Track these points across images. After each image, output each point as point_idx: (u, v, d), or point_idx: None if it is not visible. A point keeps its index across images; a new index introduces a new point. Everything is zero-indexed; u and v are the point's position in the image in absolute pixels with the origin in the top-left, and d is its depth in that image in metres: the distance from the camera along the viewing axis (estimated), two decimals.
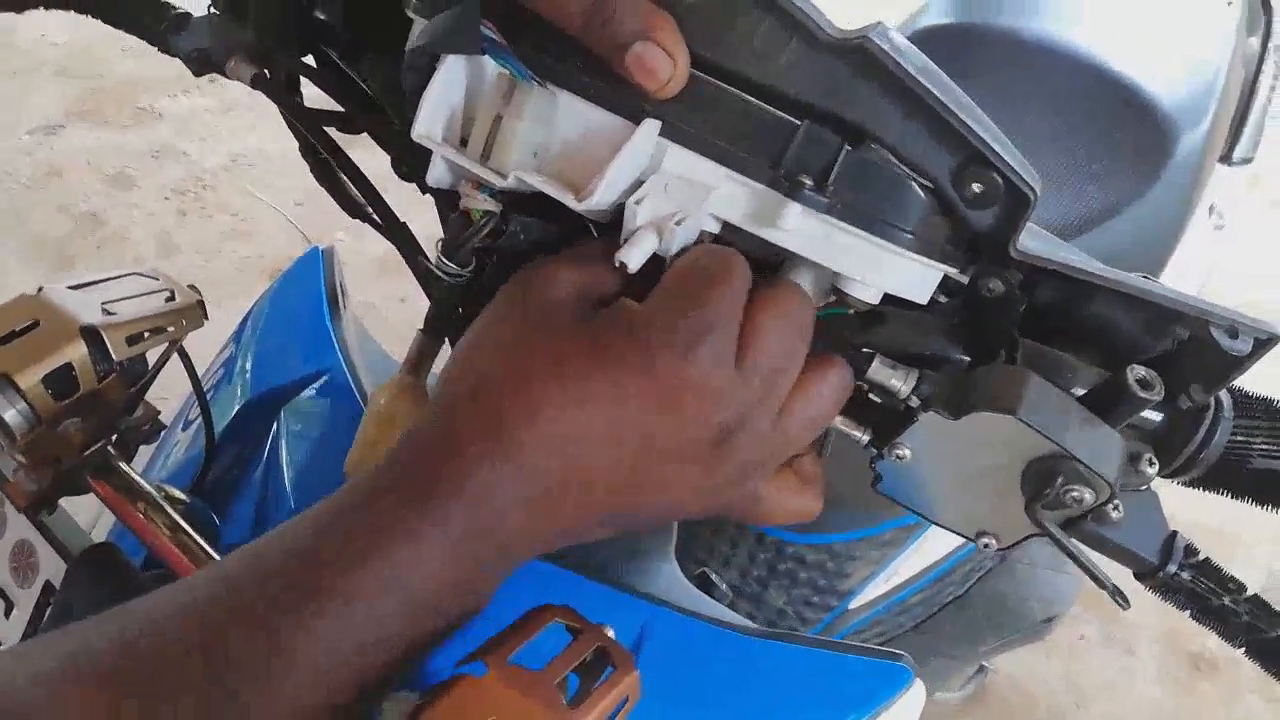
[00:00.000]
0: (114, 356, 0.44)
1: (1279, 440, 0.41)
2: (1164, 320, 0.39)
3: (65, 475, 0.45)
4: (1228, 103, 1.16)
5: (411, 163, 0.48)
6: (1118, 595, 0.41)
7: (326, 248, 0.70)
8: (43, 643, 0.32)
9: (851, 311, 0.41)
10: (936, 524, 0.44)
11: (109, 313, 0.44)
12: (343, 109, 0.52)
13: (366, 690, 0.33)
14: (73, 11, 0.56)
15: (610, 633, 0.35)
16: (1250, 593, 0.41)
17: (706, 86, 0.36)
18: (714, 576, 0.67)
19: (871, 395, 0.42)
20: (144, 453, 0.54)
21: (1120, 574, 0.41)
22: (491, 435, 0.34)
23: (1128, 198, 1.02)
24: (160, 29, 0.53)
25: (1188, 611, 0.42)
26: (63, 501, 0.47)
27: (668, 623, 0.47)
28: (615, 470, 0.35)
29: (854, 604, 1.08)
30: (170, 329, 0.46)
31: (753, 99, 0.36)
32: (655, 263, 0.38)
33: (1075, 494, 0.38)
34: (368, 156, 0.53)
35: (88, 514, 0.55)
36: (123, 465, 0.47)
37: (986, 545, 0.44)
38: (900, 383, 0.40)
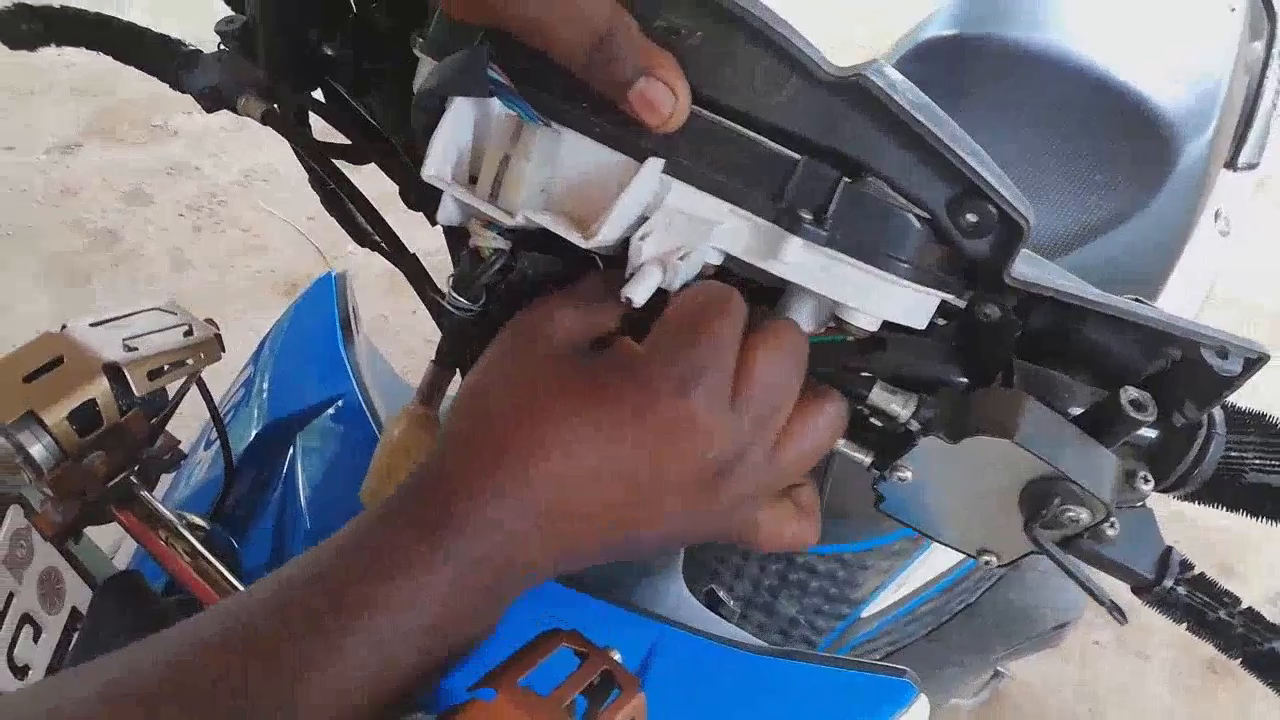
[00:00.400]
0: (135, 392, 0.45)
1: (1271, 455, 0.42)
2: (1156, 342, 0.40)
3: (90, 505, 0.46)
4: (1232, 109, 1.16)
5: (420, 194, 0.49)
6: (1115, 611, 0.42)
7: (340, 273, 0.71)
8: (80, 672, 0.34)
9: (851, 339, 0.42)
10: (939, 542, 0.45)
11: (130, 348, 0.46)
12: (350, 141, 0.53)
13: (383, 715, 0.34)
14: (86, 49, 0.58)
15: (616, 656, 0.36)
16: (1245, 605, 0.42)
17: (708, 123, 0.37)
18: (721, 593, 0.68)
19: (873, 419, 0.43)
20: (165, 477, 0.55)
21: (1119, 587, 0.42)
22: (497, 470, 0.36)
23: (1133, 206, 1.03)
24: (172, 67, 0.54)
25: (1184, 625, 0.43)
26: (87, 529, 0.48)
27: (675, 641, 0.48)
28: (615, 502, 0.37)
29: (866, 613, 1.09)
30: (189, 362, 0.48)
31: (753, 135, 0.37)
32: (655, 295, 0.39)
33: (1072, 514, 0.39)
34: (378, 178, 0.54)
35: (111, 539, 0.57)
36: (145, 494, 0.48)
37: (988, 562, 0.45)
38: (900, 408, 0.41)
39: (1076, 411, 0.42)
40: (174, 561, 0.46)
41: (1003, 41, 1.15)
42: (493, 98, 0.38)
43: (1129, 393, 0.39)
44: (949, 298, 0.40)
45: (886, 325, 0.41)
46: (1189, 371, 0.39)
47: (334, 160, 0.54)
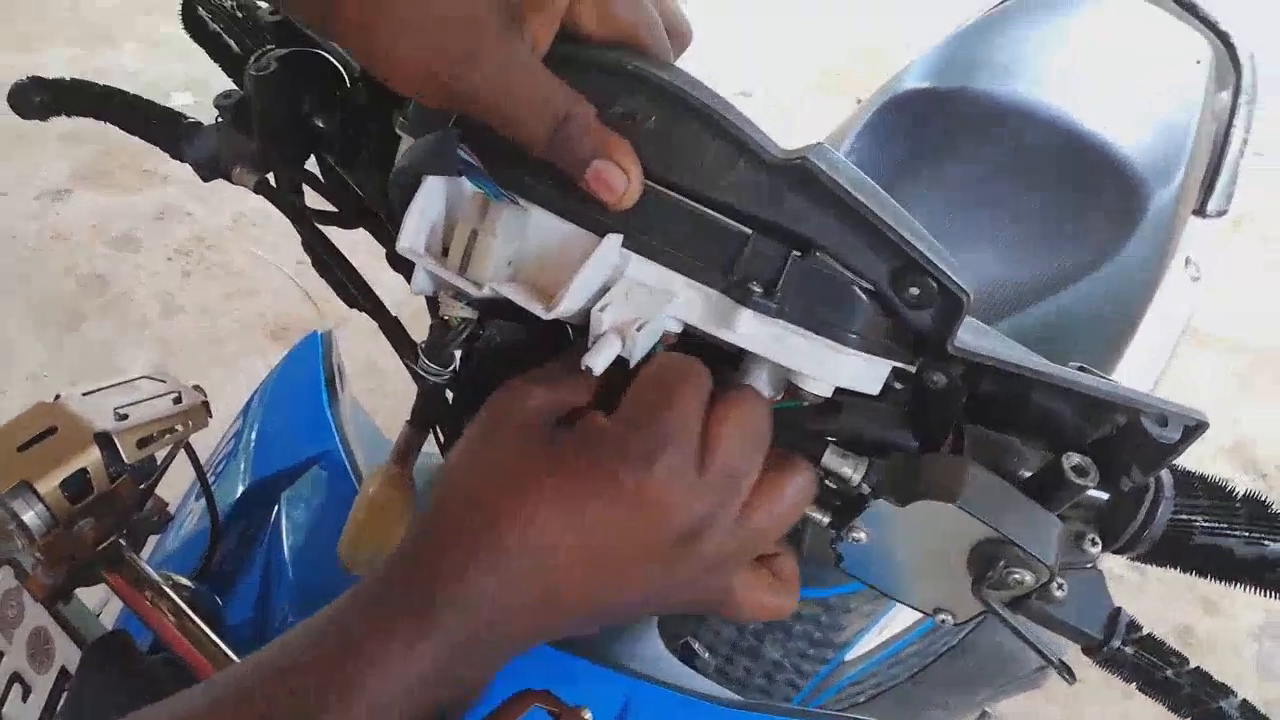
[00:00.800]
0: (125, 459, 0.47)
1: (1218, 517, 0.43)
2: (1098, 409, 0.42)
3: (80, 568, 0.48)
4: (1199, 158, 1.19)
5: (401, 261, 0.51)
6: (1064, 671, 0.43)
7: (325, 332, 0.73)
8: None
9: (807, 404, 0.44)
10: (896, 600, 0.47)
11: (121, 417, 0.48)
12: (339, 209, 0.56)
13: None
14: (93, 119, 0.60)
15: (588, 715, 0.38)
16: (1193, 665, 0.43)
17: (664, 201, 0.39)
18: (696, 646, 0.69)
19: (828, 481, 0.44)
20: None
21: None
22: (475, 550, 0.37)
23: (1103, 255, 1.05)
24: (173, 137, 0.56)
25: (1134, 684, 0.44)
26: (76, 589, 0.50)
27: (648, 697, 0.49)
28: (588, 574, 0.38)
29: (849, 656, 1.09)
30: (178, 429, 0.50)
31: (706, 212, 0.39)
32: (625, 373, 0.41)
33: (1017, 576, 0.40)
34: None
35: (98, 596, 0.58)
36: (132, 556, 0.50)
37: (944, 621, 0.46)
38: (851, 470, 0.43)
39: (1027, 475, 0.44)
40: (159, 621, 0.48)
41: (975, 94, 1.18)
42: (462, 176, 0.40)
43: (1071, 459, 0.41)
44: (899, 365, 0.42)
45: (841, 391, 0.42)
46: (1132, 438, 0.41)
47: (325, 226, 0.57)
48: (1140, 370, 1.14)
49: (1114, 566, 1.79)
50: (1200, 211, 1.23)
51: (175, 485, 0.63)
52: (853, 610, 1.04)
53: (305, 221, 0.55)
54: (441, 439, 0.57)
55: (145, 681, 0.45)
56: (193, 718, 0.35)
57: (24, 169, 2.52)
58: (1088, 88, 1.19)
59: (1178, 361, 1.33)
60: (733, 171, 0.39)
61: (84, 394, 0.49)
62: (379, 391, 1.84)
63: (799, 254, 0.39)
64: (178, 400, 0.51)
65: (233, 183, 0.55)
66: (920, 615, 1.11)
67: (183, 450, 0.53)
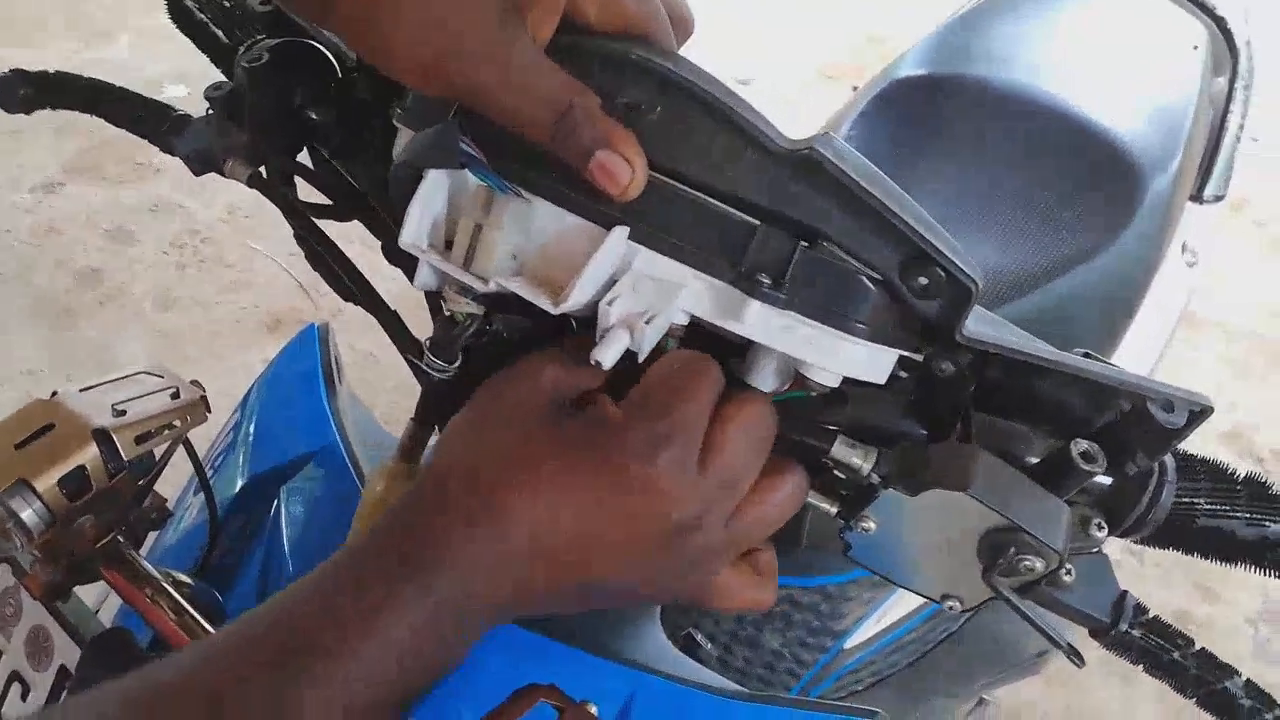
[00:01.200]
0: (124, 456, 0.47)
1: (1221, 500, 0.43)
2: (1104, 395, 0.42)
3: (79, 566, 0.47)
4: (1196, 144, 1.19)
5: (401, 254, 0.51)
6: (1073, 654, 0.43)
7: (322, 325, 0.72)
8: (66, 706, 0.35)
9: (814, 394, 0.43)
10: (904, 588, 0.47)
11: (119, 413, 0.47)
12: (333, 202, 0.55)
13: None
14: (81, 113, 0.59)
15: (594, 709, 0.38)
16: (1198, 647, 0.44)
17: (670, 192, 0.39)
18: (698, 637, 0.69)
19: (836, 471, 0.44)
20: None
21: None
22: (469, 514, 0.38)
23: (1101, 242, 1.05)
24: (162, 131, 0.56)
25: (1140, 666, 0.44)
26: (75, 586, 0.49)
27: (652, 689, 0.49)
28: (578, 552, 0.39)
29: (849, 644, 1.09)
30: (176, 424, 0.49)
31: (713, 203, 0.39)
32: (633, 357, 0.40)
33: (1027, 562, 0.40)
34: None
35: (97, 593, 0.58)
36: (132, 554, 0.49)
37: (951, 607, 0.46)
38: (861, 460, 0.42)
39: (1034, 461, 0.44)
40: (159, 618, 0.47)
41: (972, 81, 1.18)
42: (465, 169, 0.40)
43: (1079, 445, 0.41)
44: (906, 354, 0.42)
45: (847, 381, 0.42)
46: (1138, 423, 0.41)
47: (319, 219, 0.56)
48: (1137, 356, 1.14)
49: (1111, 553, 1.79)
50: (1197, 197, 1.23)
51: (174, 479, 0.62)
52: (852, 598, 1.05)
53: (298, 214, 0.55)
54: None
55: None
56: (178, 679, 0.35)
57: (16, 163, 2.50)
58: (1084, 74, 1.19)
59: (1175, 347, 1.33)
60: (739, 162, 0.38)
61: (81, 390, 0.48)
62: (376, 385, 1.84)
63: (806, 244, 0.39)
64: (176, 395, 0.50)
65: (224, 176, 0.54)
66: (920, 603, 1.12)
67: (182, 446, 0.52)
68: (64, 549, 0.46)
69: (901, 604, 1.09)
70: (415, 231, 0.41)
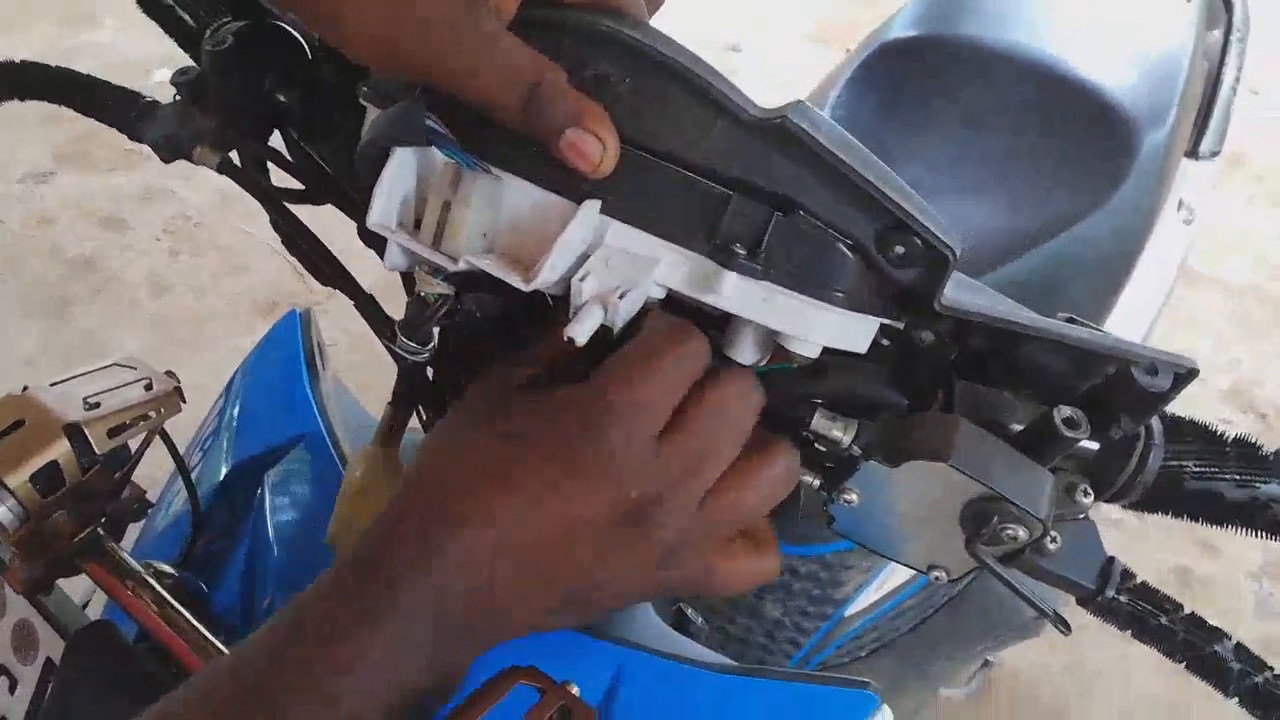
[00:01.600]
0: (96, 450, 0.46)
1: (1209, 462, 0.43)
2: (1088, 360, 0.41)
3: (59, 560, 0.47)
4: (1190, 100, 1.18)
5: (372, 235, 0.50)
6: (1059, 622, 0.43)
7: (304, 310, 0.72)
8: None
9: (795, 365, 0.43)
10: (890, 559, 0.46)
11: (91, 406, 0.47)
12: (305, 186, 0.54)
13: None
14: (48, 102, 0.58)
15: (575, 690, 0.37)
16: (1187, 611, 0.43)
17: (642, 165, 0.38)
18: (689, 611, 0.69)
19: (817, 444, 0.44)
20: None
21: None
22: (438, 532, 0.36)
23: (1096, 200, 1.04)
24: (130, 118, 0.55)
25: (1129, 631, 0.44)
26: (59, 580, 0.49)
27: (640, 666, 0.49)
28: (544, 554, 0.37)
29: (849, 611, 1.10)
30: (151, 415, 0.49)
31: (686, 174, 0.38)
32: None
33: (1010, 531, 0.40)
34: None
35: (83, 588, 0.57)
36: (112, 546, 0.49)
37: (938, 578, 0.46)
38: (841, 433, 0.42)
39: (1018, 428, 0.43)
40: (143, 611, 0.47)
41: (963, 41, 1.16)
42: (432, 146, 0.39)
43: (1062, 411, 0.40)
44: (887, 322, 0.41)
45: (829, 351, 0.42)
46: (1122, 387, 0.40)
47: (293, 204, 0.55)
48: (1136, 315, 1.13)
49: (1111, 511, 1.80)
50: (1193, 153, 1.22)
51: (164, 464, 0.62)
52: (851, 566, 1.05)
53: (272, 200, 0.54)
54: (424, 417, 0.56)
55: (131, 671, 0.45)
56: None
57: (5, 153, 2.49)
58: (1076, 30, 1.18)
59: (1175, 304, 1.32)
60: (711, 132, 0.38)
61: (52, 384, 0.48)
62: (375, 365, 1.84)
63: (781, 214, 0.38)
64: (149, 387, 0.50)
65: (194, 163, 0.53)
66: None
67: (159, 437, 0.52)
68: (42, 544, 0.46)
69: (901, 571, 1.09)
70: (383, 211, 0.40)
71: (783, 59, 3.00)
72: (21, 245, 2.29)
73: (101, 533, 0.48)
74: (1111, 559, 0.43)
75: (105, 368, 0.50)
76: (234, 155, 0.54)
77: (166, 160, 0.54)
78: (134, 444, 0.50)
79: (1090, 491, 0.43)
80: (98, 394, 0.48)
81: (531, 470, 0.37)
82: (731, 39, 3.02)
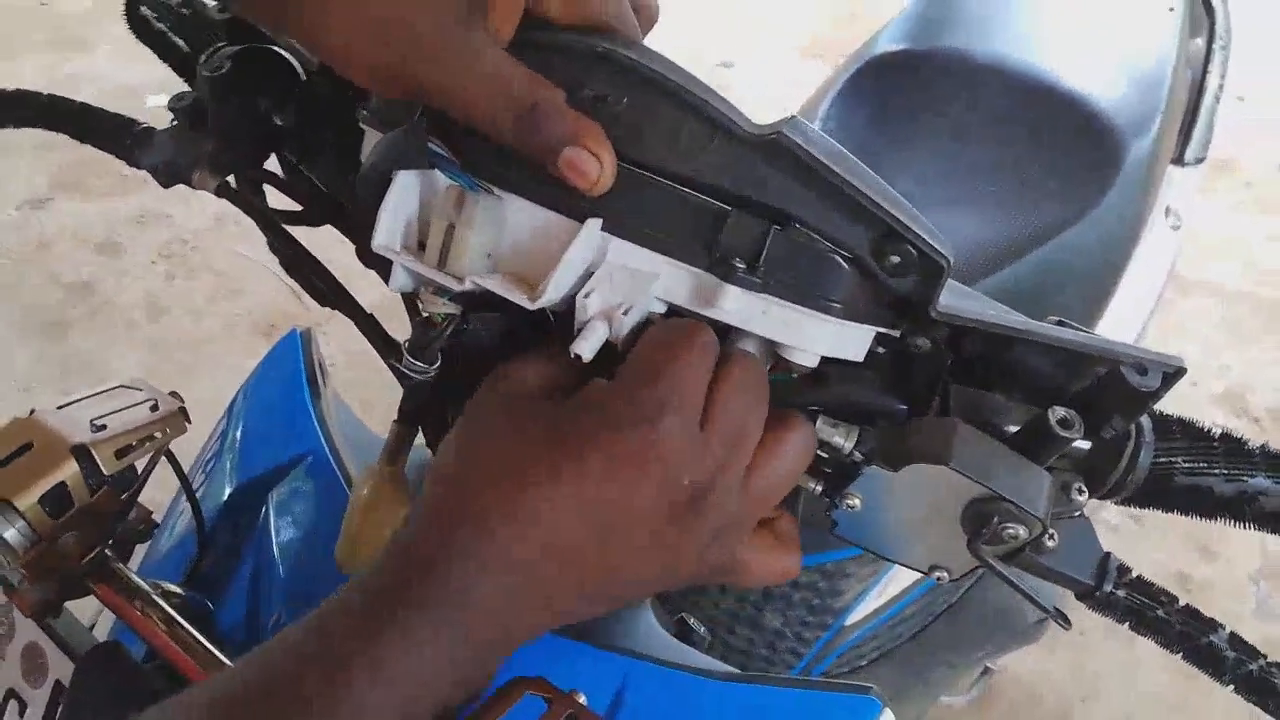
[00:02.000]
0: (104, 471, 0.47)
1: (1198, 458, 0.44)
2: (1079, 362, 0.42)
3: (67, 582, 0.47)
4: (1175, 107, 1.19)
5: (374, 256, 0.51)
6: (1060, 618, 0.43)
7: (304, 330, 0.72)
8: None
9: (794, 375, 0.44)
10: (892, 561, 0.47)
11: (98, 428, 0.47)
12: (304, 208, 0.55)
13: None
14: (44, 130, 0.59)
15: (582, 699, 0.38)
16: (1182, 604, 0.44)
17: (641, 183, 0.39)
18: (691, 621, 0.70)
19: (820, 451, 0.44)
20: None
21: None
22: (473, 538, 0.36)
23: (1083, 208, 1.05)
24: (127, 144, 0.55)
25: (1126, 624, 0.45)
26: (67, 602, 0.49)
27: (645, 675, 0.49)
28: (594, 554, 0.37)
29: (849, 620, 1.10)
30: (157, 436, 0.49)
31: (684, 191, 0.39)
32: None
33: (1011, 530, 0.41)
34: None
35: (91, 609, 0.58)
36: (120, 566, 0.49)
37: (940, 579, 0.47)
38: (843, 440, 0.43)
39: (1013, 430, 0.44)
40: (151, 630, 0.48)
41: (950, 54, 1.17)
42: (434, 169, 0.40)
43: (1056, 412, 0.41)
44: (883, 330, 0.42)
45: (826, 360, 0.42)
46: (1113, 387, 0.41)
47: (291, 225, 0.56)
48: (1125, 321, 1.14)
49: (1109, 516, 1.80)
50: (1179, 160, 1.23)
51: (168, 486, 0.63)
52: (851, 575, 1.05)
53: (270, 222, 0.54)
54: (429, 436, 0.57)
55: (141, 690, 0.45)
56: None
57: (3, 180, 2.50)
58: (1061, 40, 1.19)
59: (1166, 310, 1.34)
60: (708, 149, 0.38)
61: (59, 407, 0.48)
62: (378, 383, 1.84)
63: (779, 227, 0.39)
64: (154, 408, 0.50)
65: (193, 187, 0.54)
66: (918, 576, 1.13)
67: (165, 457, 0.52)
68: (51, 566, 0.46)
69: (900, 578, 1.10)
70: (388, 234, 0.41)
71: (775, 75, 3.02)
72: (19, 271, 2.30)
73: (109, 554, 0.48)
74: (1108, 554, 0.44)
75: (111, 390, 0.51)
76: (231, 179, 0.55)
77: (165, 185, 0.54)
78: (139, 465, 0.50)
79: (1085, 489, 0.44)
80: (104, 416, 0.48)
81: (583, 468, 0.36)
82: (724, 55, 3.04)
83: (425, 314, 0.43)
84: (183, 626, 0.47)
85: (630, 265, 0.40)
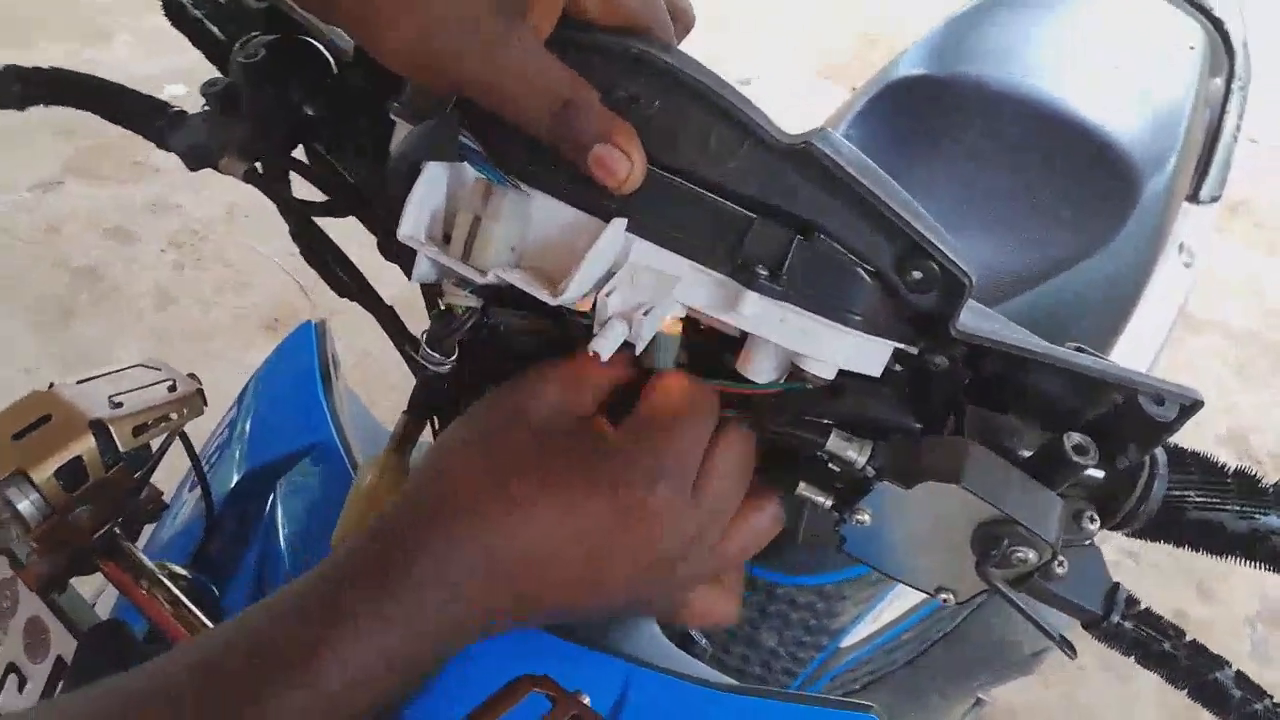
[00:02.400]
0: (120, 448, 0.47)
1: (1211, 492, 0.44)
2: (1096, 389, 0.42)
3: (76, 557, 0.48)
4: (1192, 145, 1.19)
5: (397, 249, 0.51)
6: (1065, 645, 0.43)
7: (319, 322, 0.73)
8: (43, 709, 0.35)
9: (810, 386, 0.44)
10: (898, 581, 0.47)
11: (116, 405, 0.47)
12: (329, 198, 0.55)
13: None
14: (75, 109, 0.59)
15: (586, 700, 0.38)
16: (1189, 638, 0.44)
17: (668, 185, 0.39)
18: (693, 633, 0.70)
19: (831, 465, 0.44)
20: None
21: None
22: (453, 529, 0.38)
23: (1097, 242, 1.05)
24: (158, 126, 0.56)
25: (1132, 657, 0.44)
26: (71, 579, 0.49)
27: (646, 681, 0.49)
28: (570, 575, 0.39)
29: (845, 643, 1.09)
30: (173, 417, 0.50)
31: (710, 196, 0.39)
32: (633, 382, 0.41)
33: (1020, 554, 0.41)
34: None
35: (93, 586, 0.58)
36: (128, 545, 0.49)
37: (945, 600, 0.46)
38: (855, 454, 0.43)
39: (1027, 454, 0.44)
40: (155, 610, 0.48)
41: (969, 81, 1.18)
42: (464, 162, 0.40)
43: (1072, 438, 0.41)
44: (901, 346, 0.42)
45: (843, 373, 0.42)
46: (1129, 416, 0.41)
47: (315, 215, 0.56)
48: (1136, 354, 1.15)
49: (1106, 552, 1.79)
50: (1194, 198, 1.23)
51: (174, 471, 0.63)
52: (847, 598, 1.05)
53: (294, 210, 0.55)
54: (438, 428, 0.57)
55: None
56: (154, 691, 0.35)
57: (16, 162, 2.50)
58: (1082, 74, 1.19)
59: (1175, 348, 1.34)
60: (737, 155, 0.39)
61: (79, 382, 0.48)
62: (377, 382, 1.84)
63: (803, 237, 0.39)
64: (172, 388, 0.50)
65: (220, 172, 0.54)
66: (916, 602, 1.12)
67: (178, 438, 0.52)
68: (61, 540, 0.47)
69: (897, 603, 1.09)
70: (414, 224, 0.41)
71: (792, 93, 3.03)
72: (28, 254, 2.30)
73: (118, 531, 0.49)
74: (1117, 585, 0.44)
75: (130, 368, 0.51)
76: (258, 166, 0.55)
77: (193, 168, 0.54)
78: (154, 445, 0.50)
79: (1096, 518, 0.44)
80: (122, 393, 0.48)
81: (577, 502, 0.39)
82: (743, 73, 3.05)
83: (445, 305, 0.43)
84: (187, 607, 0.48)
85: (653, 266, 0.40)
